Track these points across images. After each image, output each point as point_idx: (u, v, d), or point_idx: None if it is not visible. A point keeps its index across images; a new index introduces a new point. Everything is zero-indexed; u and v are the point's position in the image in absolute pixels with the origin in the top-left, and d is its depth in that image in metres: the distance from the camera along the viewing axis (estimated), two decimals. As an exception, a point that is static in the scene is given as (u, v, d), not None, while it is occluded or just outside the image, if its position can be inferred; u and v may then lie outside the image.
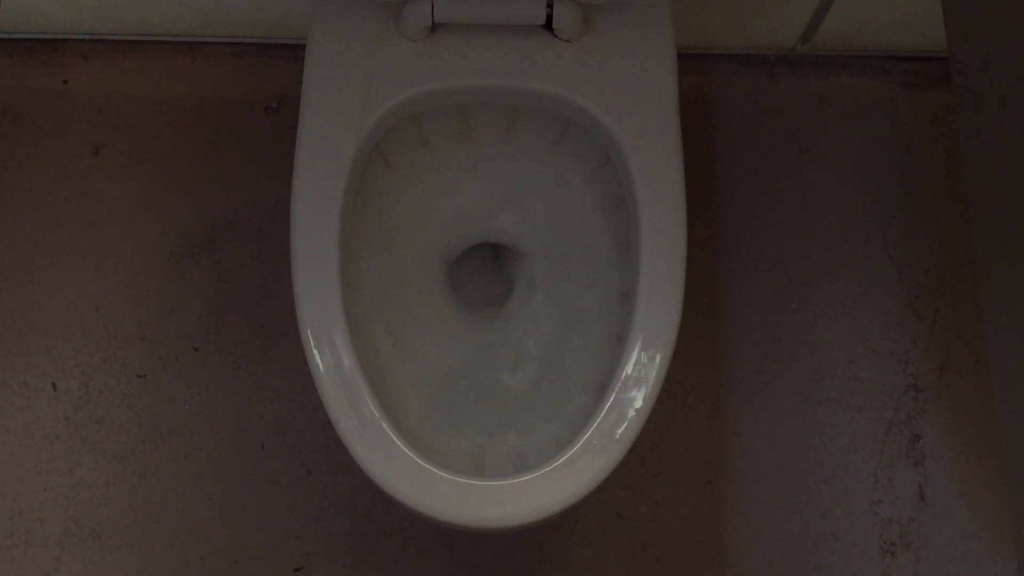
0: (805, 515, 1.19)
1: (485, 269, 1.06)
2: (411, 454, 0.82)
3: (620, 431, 0.83)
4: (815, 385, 1.23)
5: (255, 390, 1.22)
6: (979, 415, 1.23)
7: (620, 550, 1.17)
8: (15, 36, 1.32)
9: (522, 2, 0.89)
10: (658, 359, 0.85)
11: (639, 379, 0.84)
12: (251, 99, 1.32)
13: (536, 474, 0.81)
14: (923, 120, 1.34)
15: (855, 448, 1.22)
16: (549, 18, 0.90)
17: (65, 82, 1.32)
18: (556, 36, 0.92)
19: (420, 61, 0.92)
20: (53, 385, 1.21)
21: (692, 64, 1.35)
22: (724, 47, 1.35)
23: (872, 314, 1.26)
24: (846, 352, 1.25)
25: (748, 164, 1.32)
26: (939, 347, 1.25)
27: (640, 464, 1.20)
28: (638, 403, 0.84)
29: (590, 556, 1.17)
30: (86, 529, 1.17)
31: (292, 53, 1.33)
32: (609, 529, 1.18)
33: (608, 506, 1.18)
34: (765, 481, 1.20)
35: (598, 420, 0.83)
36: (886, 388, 1.24)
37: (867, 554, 1.18)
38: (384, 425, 0.83)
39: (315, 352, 0.84)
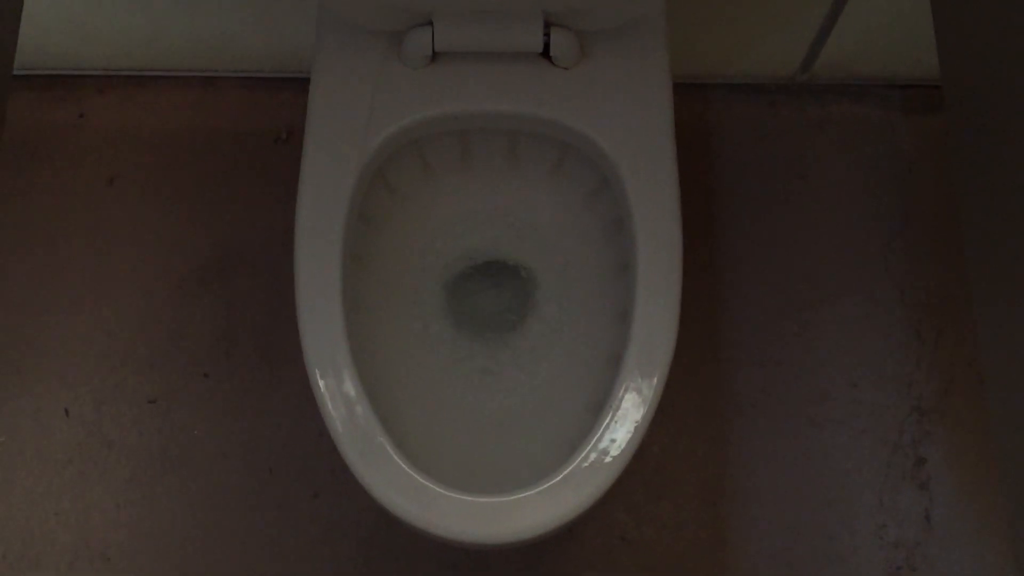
0: (810, 537, 1.19)
1: (486, 291, 1.08)
2: (412, 472, 0.83)
3: (617, 449, 0.84)
4: (818, 407, 1.24)
5: (263, 415, 1.23)
6: (984, 437, 1.23)
7: (625, 574, 1.18)
8: (34, 72, 1.37)
9: (520, 30, 0.92)
10: (654, 378, 0.86)
11: (636, 398, 0.85)
12: (261, 131, 1.36)
13: (534, 491, 0.82)
14: (922, 146, 1.36)
15: (859, 471, 1.22)
16: (547, 46, 0.93)
17: (81, 116, 1.36)
18: (554, 63, 0.95)
19: (421, 88, 0.94)
20: (66, 411, 1.23)
21: (693, 94, 1.38)
22: (724, 76, 1.37)
23: (874, 336, 1.27)
24: (849, 374, 1.25)
25: (750, 190, 1.34)
26: (942, 369, 1.25)
27: (644, 487, 1.20)
28: (635, 421, 0.85)
29: (595, 579, 1.17)
30: (96, 552, 1.18)
31: (301, 86, 1.34)
32: (614, 552, 1.18)
33: (612, 529, 1.19)
34: (769, 503, 1.20)
35: (595, 438, 0.84)
36: (890, 410, 1.24)
37: (873, 577, 1.18)
38: (386, 445, 0.84)
39: (318, 375, 0.86)
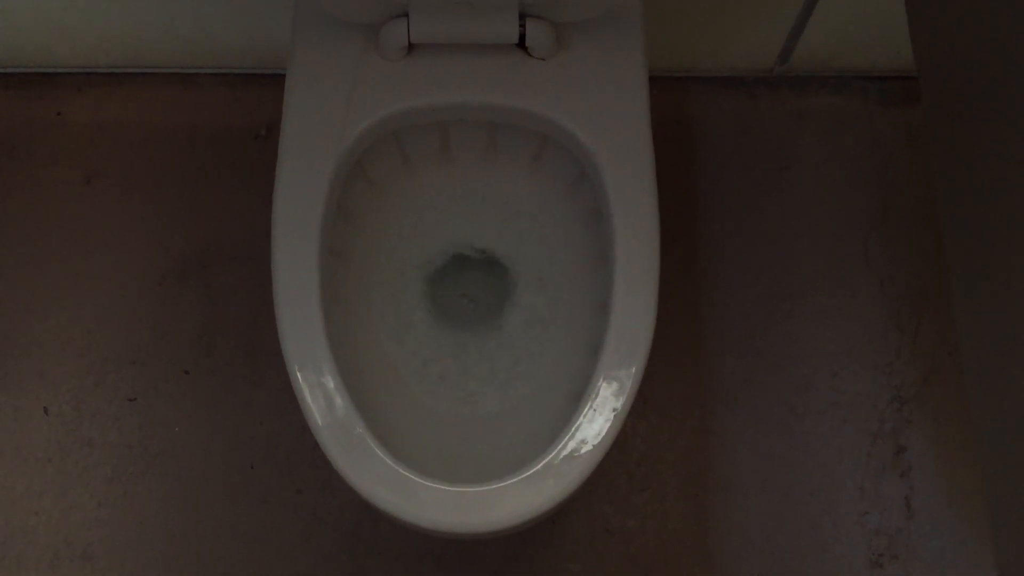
0: (793, 527, 1.20)
1: (466, 283, 1.08)
2: (392, 463, 0.83)
3: (595, 438, 0.84)
4: (800, 397, 1.24)
5: (245, 411, 1.23)
6: (963, 425, 1.24)
7: (609, 565, 1.18)
8: (10, 70, 1.36)
9: (496, 21, 0.92)
10: (633, 368, 0.86)
11: (614, 388, 0.85)
12: (241, 127, 1.35)
13: (514, 480, 0.82)
14: (901, 137, 1.36)
15: (841, 459, 1.22)
16: (523, 37, 0.93)
17: (59, 113, 1.35)
18: (530, 54, 0.95)
19: (398, 80, 0.94)
20: (45, 409, 1.23)
21: (674, 87, 1.38)
22: (704, 70, 1.37)
23: (855, 326, 1.27)
24: (830, 364, 1.26)
25: (731, 182, 1.34)
26: (922, 358, 1.26)
27: (627, 479, 1.21)
28: (613, 411, 0.85)
29: (579, 571, 1.17)
30: (77, 552, 1.17)
31: (280, 82, 1.33)
32: (598, 544, 1.18)
33: (596, 521, 1.19)
34: (752, 493, 1.21)
35: (574, 427, 0.84)
36: (870, 399, 1.25)
37: (855, 565, 1.19)
38: (366, 436, 0.84)
39: (297, 369, 0.86)
